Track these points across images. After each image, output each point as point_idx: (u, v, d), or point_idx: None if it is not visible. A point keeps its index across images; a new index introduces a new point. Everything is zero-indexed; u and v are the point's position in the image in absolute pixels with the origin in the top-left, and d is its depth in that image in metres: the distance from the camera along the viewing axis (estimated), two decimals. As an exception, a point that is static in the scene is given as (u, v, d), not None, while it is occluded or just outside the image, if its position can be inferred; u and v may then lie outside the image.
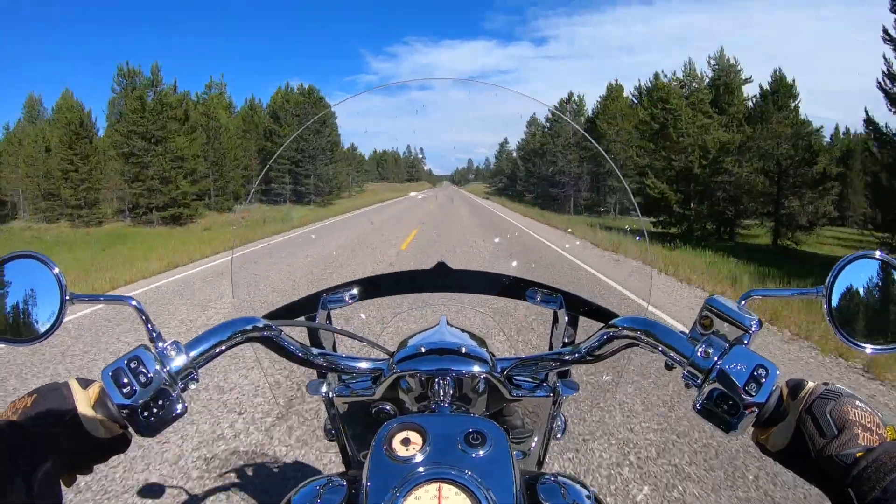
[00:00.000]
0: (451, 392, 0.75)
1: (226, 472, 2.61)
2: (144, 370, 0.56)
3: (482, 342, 0.84)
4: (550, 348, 1.00)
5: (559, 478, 0.65)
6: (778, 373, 0.55)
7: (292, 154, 39.12)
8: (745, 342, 0.58)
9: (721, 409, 0.57)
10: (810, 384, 0.56)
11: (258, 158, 38.55)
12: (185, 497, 2.39)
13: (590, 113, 40.06)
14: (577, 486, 0.64)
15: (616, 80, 37.22)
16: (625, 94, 36.73)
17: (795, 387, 0.57)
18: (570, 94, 44.14)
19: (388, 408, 0.80)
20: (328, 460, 2.64)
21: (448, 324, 0.90)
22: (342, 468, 0.89)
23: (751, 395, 0.55)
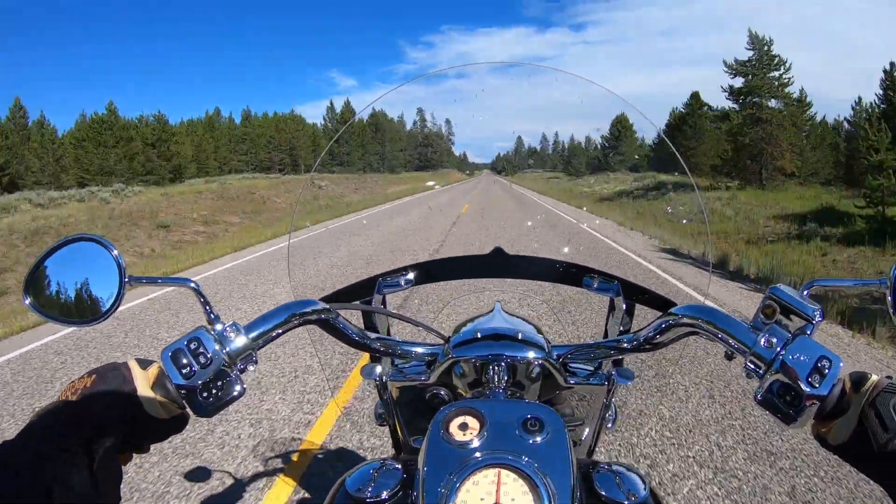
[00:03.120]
0: (506, 378, 0.74)
1: (272, 458, 2.68)
2: (204, 351, 0.57)
3: (537, 328, 0.83)
4: (606, 336, 0.99)
5: (614, 466, 0.64)
6: (841, 365, 0.54)
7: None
8: (809, 332, 0.57)
9: (783, 400, 0.55)
10: (874, 377, 0.55)
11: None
12: (232, 481, 2.46)
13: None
14: (632, 475, 0.63)
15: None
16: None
17: (858, 380, 0.55)
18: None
19: (442, 393, 0.80)
20: (374, 445, 2.67)
21: (502, 309, 0.89)
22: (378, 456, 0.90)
23: (813, 387, 0.53)
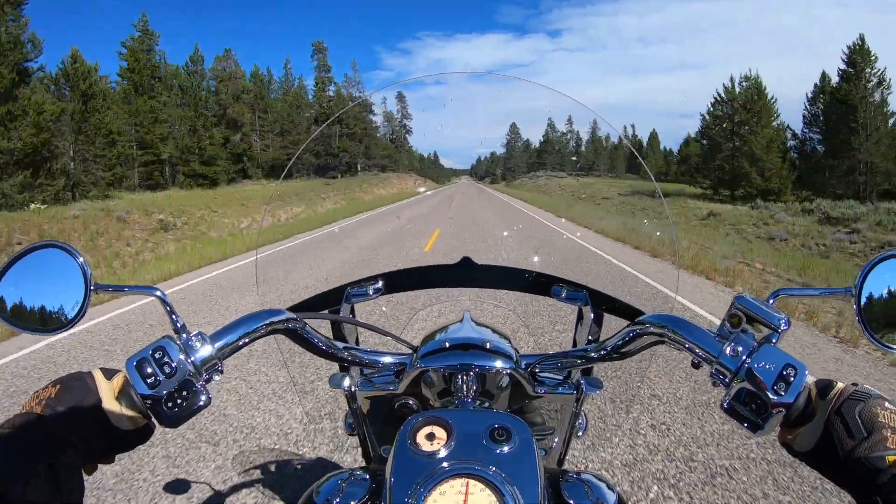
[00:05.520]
0: (475, 387, 0.75)
1: (248, 469, 2.64)
2: (169, 360, 0.56)
3: (506, 338, 0.83)
4: (575, 345, 0.99)
5: (583, 475, 0.64)
6: (807, 372, 0.55)
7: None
8: (774, 341, 0.58)
9: (749, 408, 0.56)
10: (839, 385, 0.56)
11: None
12: (210, 492, 2.42)
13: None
14: (601, 484, 0.63)
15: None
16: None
17: (824, 387, 0.56)
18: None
19: (410, 402, 0.79)
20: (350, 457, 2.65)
21: (472, 319, 0.89)
22: (356, 464, 0.89)
23: (779, 395, 0.54)
